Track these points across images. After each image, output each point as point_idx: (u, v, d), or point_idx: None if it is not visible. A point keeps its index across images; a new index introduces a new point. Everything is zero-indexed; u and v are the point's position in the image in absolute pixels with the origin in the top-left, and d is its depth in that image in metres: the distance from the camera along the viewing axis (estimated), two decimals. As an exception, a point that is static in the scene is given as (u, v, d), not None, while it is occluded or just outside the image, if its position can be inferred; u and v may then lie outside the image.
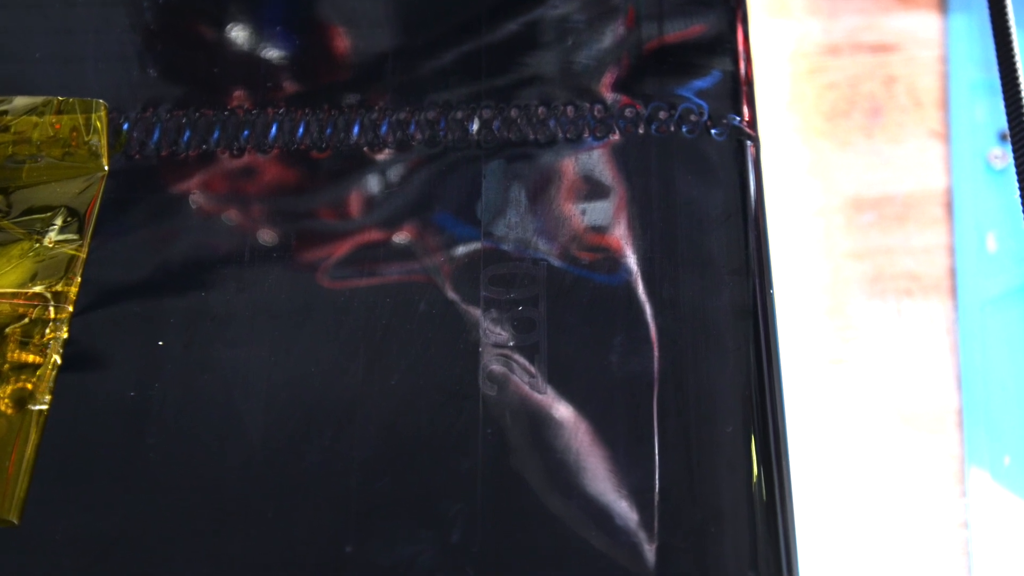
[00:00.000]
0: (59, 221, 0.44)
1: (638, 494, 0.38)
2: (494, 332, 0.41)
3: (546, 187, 0.43)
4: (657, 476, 0.38)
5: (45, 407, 0.40)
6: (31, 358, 0.41)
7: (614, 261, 0.42)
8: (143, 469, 0.39)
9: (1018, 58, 0.45)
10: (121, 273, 0.43)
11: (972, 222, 0.52)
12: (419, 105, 0.45)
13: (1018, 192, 0.42)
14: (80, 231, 0.43)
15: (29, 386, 0.40)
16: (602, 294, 0.41)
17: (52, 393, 0.40)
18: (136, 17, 0.48)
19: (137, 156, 0.45)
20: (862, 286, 0.51)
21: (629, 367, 0.40)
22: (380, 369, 0.40)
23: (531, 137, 0.44)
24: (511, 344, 0.40)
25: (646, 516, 0.37)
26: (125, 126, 0.46)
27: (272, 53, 0.47)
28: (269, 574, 0.38)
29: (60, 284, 0.42)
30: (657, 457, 0.38)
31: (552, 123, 0.45)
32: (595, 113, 0.45)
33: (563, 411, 0.39)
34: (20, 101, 0.46)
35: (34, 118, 0.45)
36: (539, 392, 0.39)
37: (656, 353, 0.40)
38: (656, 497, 0.38)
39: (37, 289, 0.42)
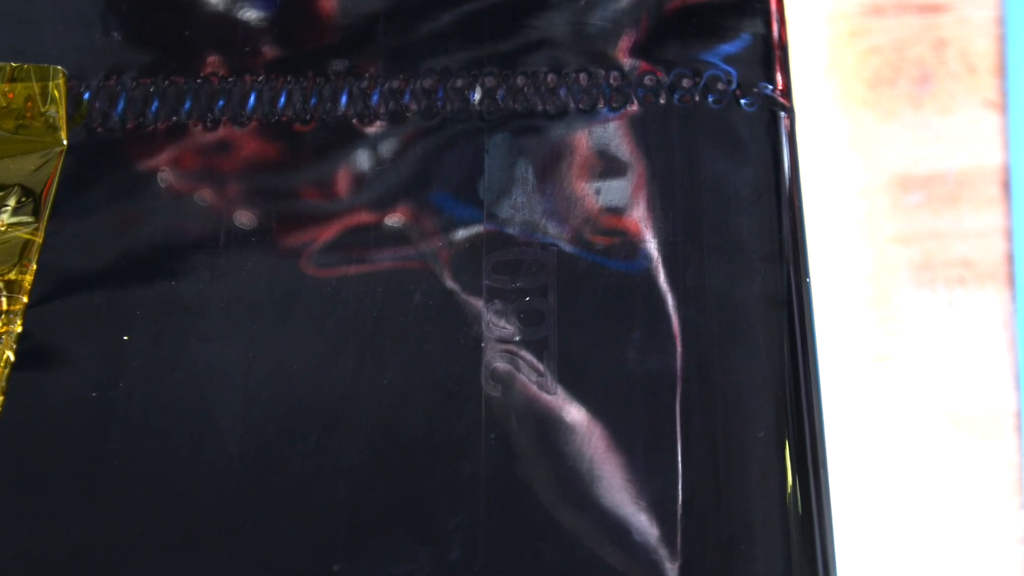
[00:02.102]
0: (12, 201, 0.44)
1: (659, 506, 0.38)
2: (498, 325, 0.41)
3: (556, 164, 0.43)
4: (680, 486, 0.38)
5: (-3, 408, 0.40)
6: (-18, 354, 0.41)
7: (632, 246, 0.42)
8: (107, 477, 0.39)
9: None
10: (81, 259, 0.43)
11: (1032, 203, 0.53)
12: (414, 72, 0.45)
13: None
14: (36, 213, 0.43)
15: (-20, 385, 0.41)
16: (619, 283, 0.41)
17: (5, 393, 0.40)
18: (98, -26, 0.48)
19: (99, 129, 0.45)
20: (909, 274, 0.51)
21: (649, 364, 0.40)
22: (371, 366, 0.40)
23: (539, 108, 0.44)
24: (517, 339, 0.40)
25: (668, 530, 0.37)
26: (86, 95, 0.45)
27: (250, 14, 0.47)
28: (247, 594, 0.38)
29: (13, 272, 0.42)
30: (680, 465, 0.38)
31: (563, 92, 0.45)
32: (611, 81, 0.45)
33: (575, 414, 0.39)
34: (-31, 68, 0.46)
35: (-15, 86, 0.46)
36: (548, 392, 0.40)
37: (679, 349, 0.40)
38: (679, 509, 0.38)
39: (-12, 277, 0.42)
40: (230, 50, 0.46)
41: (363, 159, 0.44)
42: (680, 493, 0.38)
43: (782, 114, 0.44)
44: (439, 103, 0.45)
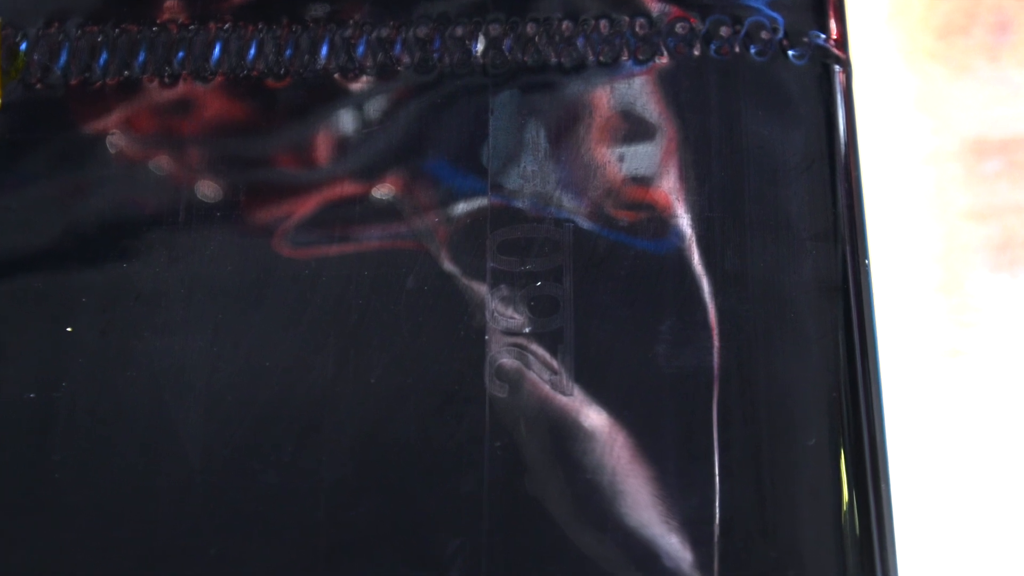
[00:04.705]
0: (-63, 170, 0.43)
1: (693, 526, 0.38)
2: (505, 315, 0.41)
3: (572, 126, 0.43)
4: (718, 504, 0.38)
5: (-81, 412, 0.40)
6: (-98, 348, 0.41)
7: (661, 222, 0.42)
8: (47, 493, 0.39)
9: None
10: (17, 238, 0.43)
11: None
12: (406, 19, 0.45)
13: None
14: (-36, 183, 0.43)
15: (-101, 385, 0.40)
16: (645, 265, 0.41)
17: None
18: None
19: (39, 85, 0.45)
20: (985, 255, 0.50)
21: (681, 361, 0.40)
22: (356, 363, 0.40)
23: (553, 60, 0.44)
24: (527, 330, 0.40)
25: (703, 555, 0.37)
26: (23, 46, 0.45)
27: (214, -50, 0.47)
28: (211, 631, 0.38)
29: (-62, 252, 0.42)
30: (717, 479, 0.38)
31: (580, 42, 0.44)
32: (636, 29, 0.44)
33: (594, 418, 0.39)
34: None
35: (-96, 35, 0.45)
36: (563, 393, 0.40)
37: (716, 343, 0.40)
38: (716, 530, 0.38)
39: (-91, 259, 0.42)
40: (191, -7, 0.46)
41: (347, 121, 0.44)
42: (717, 511, 0.38)
43: (837, 68, 0.44)
44: (435, 55, 0.44)
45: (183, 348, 0.41)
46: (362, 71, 0.44)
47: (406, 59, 0.44)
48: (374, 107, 0.44)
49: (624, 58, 0.44)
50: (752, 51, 0.44)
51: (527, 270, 0.41)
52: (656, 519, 0.38)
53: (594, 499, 0.38)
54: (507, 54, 0.44)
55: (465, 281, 0.41)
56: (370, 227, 0.42)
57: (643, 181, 0.42)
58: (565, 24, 0.45)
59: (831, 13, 0.45)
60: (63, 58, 0.45)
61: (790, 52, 0.44)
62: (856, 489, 0.38)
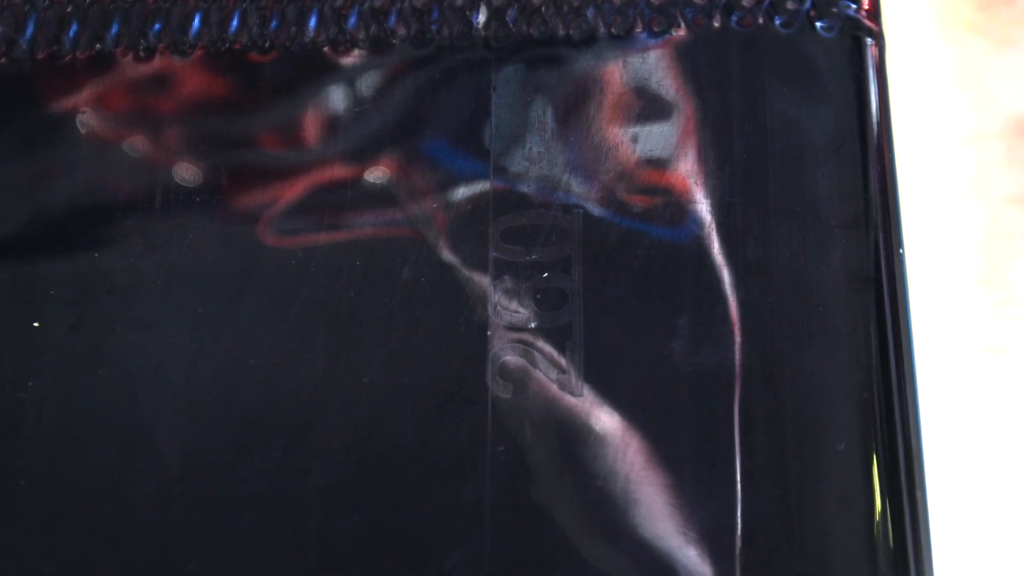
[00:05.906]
0: None
1: (712, 537, 0.37)
2: (509, 309, 0.40)
3: (582, 104, 0.43)
4: (739, 513, 0.38)
5: None
6: None
7: (678, 208, 0.41)
8: (13, 502, 0.39)
9: None
10: None
11: None
12: None
13: None
14: (-78, 165, 0.43)
15: None
16: (661, 255, 0.41)
17: None
18: None
19: (3, 59, 0.45)
20: None
21: (699, 358, 0.39)
22: (348, 361, 0.40)
23: (560, 32, 0.44)
24: (532, 326, 0.40)
25: (723, 568, 0.37)
26: None
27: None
28: (190, 652, 0.38)
29: None
30: (739, 486, 0.38)
31: (590, 12, 0.44)
32: None
33: (606, 420, 0.39)
34: None
35: None
36: (572, 393, 0.39)
37: (737, 339, 0.39)
38: (737, 542, 0.37)
39: None
40: (170, -41, 0.46)
41: (337, 98, 0.44)
42: (739, 521, 0.38)
43: (869, 41, 0.43)
44: (434, 27, 0.44)
45: (160, 344, 0.40)
46: (354, 44, 0.44)
47: (402, 31, 0.44)
48: (367, 83, 0.44)
49: (638, 30, 0.44)
50: (777, 22, 0.43)
51: (533, 260, 0.41)
52: (672, 530, 0.38)
53: (605, 508, 0.38)
54: (511, 26, 0.44)
55: (466, 272, 0.41)
56: (363, 213, 0.42)
57: (658, 164, 0.42)
58: (574, -7, 0.44)
59: (863, -19, 0.45)
60: (29, 30, 0.45)
61: (818, 24, 0.43)
62: (889, 497, 0.38)
